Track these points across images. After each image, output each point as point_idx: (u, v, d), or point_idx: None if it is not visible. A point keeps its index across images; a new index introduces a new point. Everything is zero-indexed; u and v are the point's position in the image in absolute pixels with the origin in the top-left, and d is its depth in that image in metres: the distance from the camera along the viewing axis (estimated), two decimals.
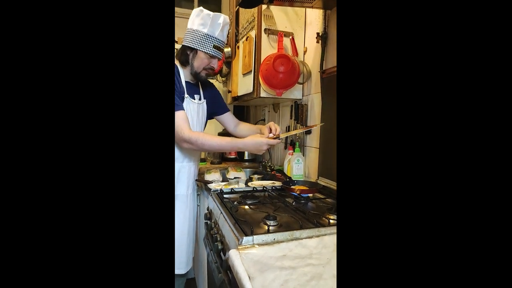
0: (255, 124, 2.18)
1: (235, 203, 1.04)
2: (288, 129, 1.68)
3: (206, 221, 1.09)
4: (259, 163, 1.94)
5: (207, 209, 1.13)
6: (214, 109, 1.37)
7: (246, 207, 0.96)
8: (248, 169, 1.90)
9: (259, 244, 0.67)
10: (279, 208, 0.93)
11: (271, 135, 1.13)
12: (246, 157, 2.04)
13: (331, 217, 0.89)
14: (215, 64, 1.19)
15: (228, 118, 1.40)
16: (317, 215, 0.87)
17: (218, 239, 0.85)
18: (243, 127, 1.39)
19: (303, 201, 1.07)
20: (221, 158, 2.09)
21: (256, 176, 1.49)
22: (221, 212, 0.93)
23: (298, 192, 1.09)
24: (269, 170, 1.79)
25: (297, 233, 0.73)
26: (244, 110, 2.32)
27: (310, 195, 1.11)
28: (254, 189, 1.20)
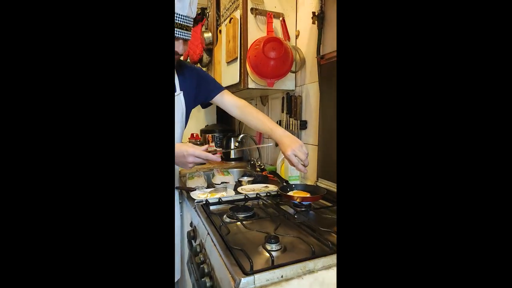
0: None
1: (225, 217, 0.86)
2: (279, 123, 1.50)
3: (190, 240, 0.90)
4: (247, 162, 1.76)
5: (191, 225, 0.94)
6: (202, 95, 1.06)
7: (239, 223, 0.78)
8: (235, 169, 1.72)
9: (263, 287, 0.49)
10: (280, 224, 0.75)
11: (205, 147, 0.89)
12: (232, 156, 1.85)
13: None
14: (179, 47, 0.87)
15: (223, 100, 1.07)
16: (327, 232, 0.70)
17: (206, 271, 0.66)
18: (253, 118, 1.03)
19: (304, 210, 0.90)
20: None
21: (246, 179, 1.31)
22: (208, 233, 0.74)
23: (298, 200, 0.92)
24: (259, 170, 1.62)
25: (310, 264, 0.55)
26: None
27: (313, 203, 0.95)
28: (246, 197, 1.02)
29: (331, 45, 1.09)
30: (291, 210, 0.89)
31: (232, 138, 1.84)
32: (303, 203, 0.93)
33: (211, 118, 2.14)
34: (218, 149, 1.17)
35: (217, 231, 0.72)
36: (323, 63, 1.10)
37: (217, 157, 0.89)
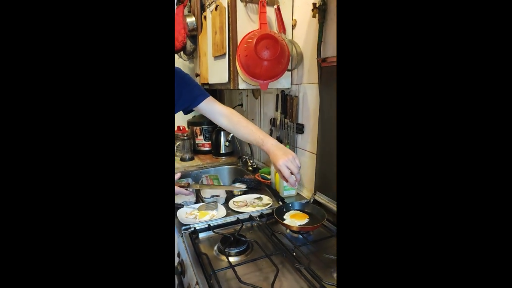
0: None
1: (215, 251, 0.78)
2: (273, 122, 1.38)
3: (179, 275, 0.82)
4: (238, 158, 1.66)
5: (178, 255, 0.86)
6: (184, 102, 0.91)
7: (231, 270, 0.69)
8: (226, 167, 1.62)
9: None
10: (277, 271, 0.67)
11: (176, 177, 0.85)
12: (222, 151, 1.74)
13: None
14: None
15: (208, 108, 0.92)
16: (333, 286, 0.62)
17: None
18: (242, 128, 0.90)
19: (303, 241, 0.82)
20: (193, 152, 1.78)
21: (237, 187, 1.22)
22: (197, 283, 0.66)
23: (297, 229, 0.84)
24: (250, 168, 1.53)
25: None
26: (217, 93, 1.95)
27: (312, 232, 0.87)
28: (238, 219, 0.93)
29: (334, 45, 0.94)
30: (287, 241, 0.81)
31: (222, 132, 1.71)
32: (303, 233, 0.85)
33: None
34: (191, 184, 1.03)
35: (207, 282, 0.64)
36: (325, 66, 0.96)
37: (188, 192, 0.80)
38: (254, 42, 0.95)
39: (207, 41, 1.27)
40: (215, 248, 0.80)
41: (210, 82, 1.30)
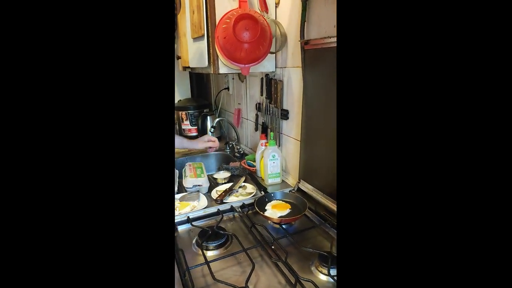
0: (218, 93, 1.79)
1: (193, 244, 0.76)
2: (258, 107, 1.33)
3: None
4: (225, 144, 1.62)
5: None
6: None
7: (206, 267, 0.67)
8: (212, 152, 1.58)
9: None
10: (253, 267, 0.65)
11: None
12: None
13: (324, 271, 0.65)
14: None
15: None
16: (308, 282, 0.61)
17: None
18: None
19: (283, 233, 0.81)
20: None
21: (222, 175, 1.19)
22: None
23: (277, 221, 0.82)
24: (237, 154, 1.49)
25: None
26: (204, 77, 1.88)
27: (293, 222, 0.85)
28: (218, 211, 0.91)
29: (318, 25, 0.87)
30: (267, 234, 0.79)
31: (209, 117, 1.66)
32: (283, 225, 0.83)
33: (184, 91, 1.91)
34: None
35: (181, 280, 0.63)
36: (308, 49, 0.90)
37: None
38: (232, 23, 0.88)
39: (186, 21, 1.19)
40: (193, 242, 0.78)
41: (191, 66, 1.23)
